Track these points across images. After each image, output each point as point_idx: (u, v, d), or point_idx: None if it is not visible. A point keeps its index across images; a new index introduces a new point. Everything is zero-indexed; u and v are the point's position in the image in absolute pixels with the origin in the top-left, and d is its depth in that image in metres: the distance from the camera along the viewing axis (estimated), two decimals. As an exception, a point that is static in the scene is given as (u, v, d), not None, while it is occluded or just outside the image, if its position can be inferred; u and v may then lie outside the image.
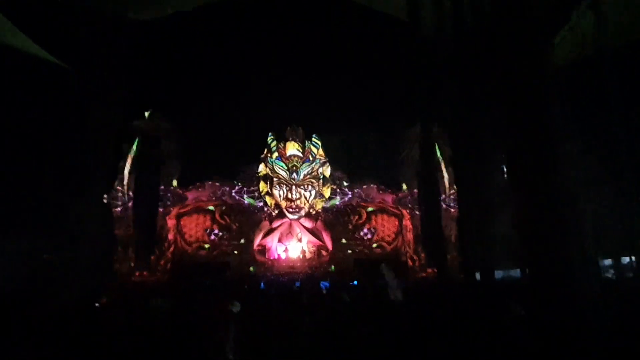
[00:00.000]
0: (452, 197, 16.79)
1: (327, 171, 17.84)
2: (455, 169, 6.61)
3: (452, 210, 16.55)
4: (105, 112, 11.88)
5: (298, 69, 18.49)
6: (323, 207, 17.68)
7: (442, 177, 17.27)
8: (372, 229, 18.50)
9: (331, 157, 17.99)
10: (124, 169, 16.23)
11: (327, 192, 17.78)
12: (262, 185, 17.42)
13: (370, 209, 18.60)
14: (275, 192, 17.25)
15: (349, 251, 17.86)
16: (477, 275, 5.79)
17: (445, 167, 16.80)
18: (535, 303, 4.32)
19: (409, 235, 18.02)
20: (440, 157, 16.93)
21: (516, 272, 13.68)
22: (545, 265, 4.29)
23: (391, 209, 18.58)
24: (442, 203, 16.96)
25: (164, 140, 16.75)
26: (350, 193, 18.22)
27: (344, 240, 17.94)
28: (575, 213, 4.22)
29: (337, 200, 18.02)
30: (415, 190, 17.97)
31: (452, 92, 5.91)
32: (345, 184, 18.28)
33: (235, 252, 17.20)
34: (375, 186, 18.54)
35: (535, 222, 4.26)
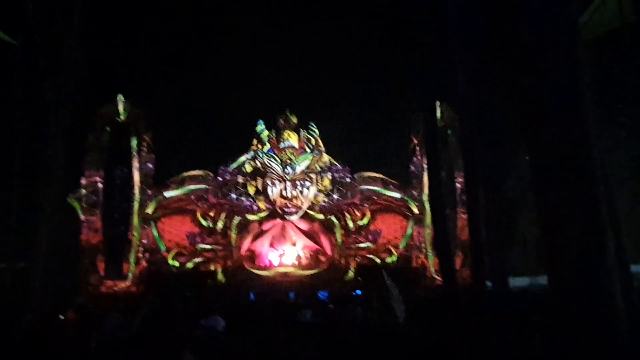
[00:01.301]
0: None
1: (325, 163, 17.75)
2: (466, 160, 6.47)
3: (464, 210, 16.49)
4: (63, 96, 11.70)
5: (290, 45, 18.29)
6: (322, 204, 17.61)
7: (455, 170, 17.18)
8: (377, 231, 18.42)
9: (329, 148, 17.89)
10: (91, 163, 16.15)
11: (326, 187, 17.67)
12: (251, 181, 17.34)
13: (374, 207, 18.52)
14: (268, 189, 17.17)
15: (351, 256, 17.79)
16: (488, 284, 5.70)
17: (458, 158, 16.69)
18: (559, 316, 4.26)
19: (420, 238, 17.98)
20: (454, 146, 16.82)
21: (535, 280, 13.61)
22: (573, 273, 4.20)
23: (399, 207, 18.51)
24: (456, 200, 16.88)
25: (135, 129, 16.64)
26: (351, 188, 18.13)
27: (344, 244, 17.86)
28: (609, 212, 4.13)
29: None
30: (426, 185, 17.88)
31: (465, 67, 5.79)
32: (346, 178, 18.20)
33: (220, 258, 17.15)
34: (380, 180, 18.45)
35: (561, 223, 4.17)
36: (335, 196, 18.05)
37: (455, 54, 5.84)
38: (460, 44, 5.76)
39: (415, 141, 18.12)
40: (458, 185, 17.34)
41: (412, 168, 18.30)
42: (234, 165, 17.86)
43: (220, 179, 17.68)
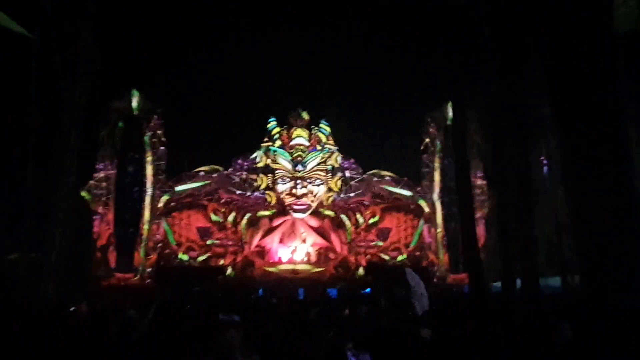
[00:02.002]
0: (481, 192, 16.46)
1: (336, 161, 17.60)
2: (487, 161, 6.31)
3: (480, 208, 16.25)
4: (77, 90, 11.68)
5: (304, 43, 18.11)
6: (333, 202, 17.47)
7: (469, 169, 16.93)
8: (387, 229, 18.24)
9: (341, 145, 17.73)
10: (104, 157, 16.14)
11: (336, 185, 17.52)
12: (261, 178, 17.24)
13: (385, 205, 18.33)
14: (278, 186, 17.05)
15: (361, 254, 17.63)
16: (518, 283, 5.52)
17: (474, 158, 16.45)
18: (587, 318, 4.07)
19: (430, 236, 17.77)
20: (470, 146, 16.59)
21: (544, 282, 13.41)
22: (601, 275, 4.02)
23: (410, 206, 18.31)
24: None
25: (148, 124, 16.59)
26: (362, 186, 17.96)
27: (354, 242, 17.69)
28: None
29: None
30: (438, 183, 17.66)
31: (490, 66, 5.61)
32: (356, 176, 18.04)
33: (230, 253, 17.07)
34: (391, 178, 18.26)
35: (593, 223, 3.98)
36: (345, 194, 17.90)
37: (482, 52, 5.68)
38: (489, 44, 5.59)
39: (427, 140, 17.90)
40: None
41: (423, 167, 18.08)
42: (245, 161, 17.77)
43: (231, 175, 17.61)
